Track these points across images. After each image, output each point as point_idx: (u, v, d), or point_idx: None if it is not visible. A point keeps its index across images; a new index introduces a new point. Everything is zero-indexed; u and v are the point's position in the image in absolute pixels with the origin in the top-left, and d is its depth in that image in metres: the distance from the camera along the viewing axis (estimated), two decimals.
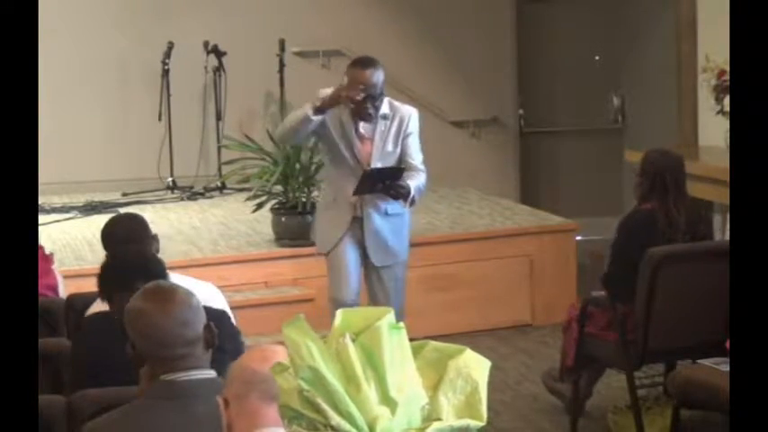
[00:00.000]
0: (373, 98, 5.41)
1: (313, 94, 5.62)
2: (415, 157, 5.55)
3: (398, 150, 5.51)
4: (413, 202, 5.46)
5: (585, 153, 10.56)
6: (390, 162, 5.50)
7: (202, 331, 2.88)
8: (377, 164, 5.47)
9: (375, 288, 5.64)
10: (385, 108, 5.50)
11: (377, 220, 5.53)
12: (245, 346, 3.86)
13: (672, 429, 5.04)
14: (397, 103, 5.62)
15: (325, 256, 5.66)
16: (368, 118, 5.44)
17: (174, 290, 2.94)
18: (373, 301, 5.64)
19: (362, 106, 5.39)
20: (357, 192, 5.43)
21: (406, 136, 5.52)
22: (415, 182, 5.44)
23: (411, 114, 5.57)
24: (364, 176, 5.40)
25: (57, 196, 9.02)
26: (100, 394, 3.36)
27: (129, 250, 3.93)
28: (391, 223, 5.57)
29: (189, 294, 2.94)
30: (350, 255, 5.56)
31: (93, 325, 3.81)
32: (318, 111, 5.41)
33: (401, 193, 5.39)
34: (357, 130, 5.49)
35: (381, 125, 5.49)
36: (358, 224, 5.54)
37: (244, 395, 2.24)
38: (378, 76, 5.41)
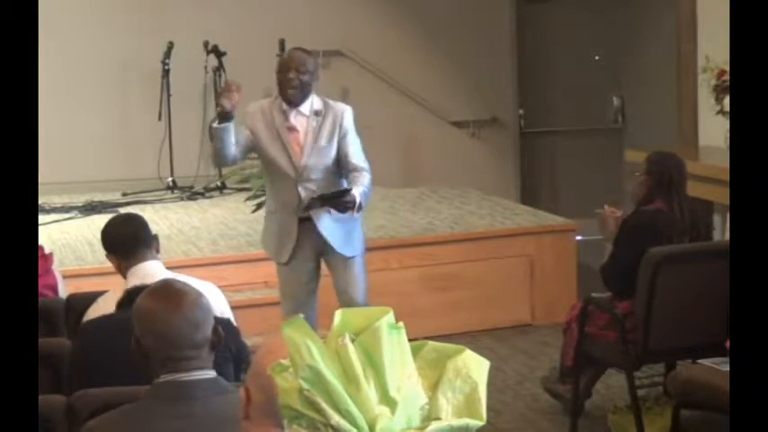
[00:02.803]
0: (300, 75, 5.34)
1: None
2: (356, 155, 5.42)
3: (334, 146, 5.40)
4: (360, 209, 5.32)
5: (585, 153, 10.58)
6: (325, 157, 5.39)
7: (211, 334, 2.88)
8: (310, 159, 5.37)
9: (341, 279, 5.55)
10: (317, 105, 5.44)
11: (327, 221, 5.43)
12: (248, 347, 3.87)
13: (672, 429, 5.04)
14: (330, 102, 5.53)
15: (281, 266, 5.56)
16: (292, 97, 5.36)
17: (185, 290, 2.92)
18: (342, 292, 5.57)
19: (288, 85, 5.34)
20: (304, 210, 5.37)
21: (344, 135, 5.42)
22: (360, 187, 5.31)
23: (344, 111, 5.46)
24: (309, 201, 5.33)
25: (57, 196, 9.02)
26: (100, 394, 3.36)
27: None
28: (342, 221, 5.44)
29: (199, 295, 2.93)
30: (302, 276, 5.52)
31: (92, 329, 3.79)
32: (223, 117, 5.34)
33: (348, 207, 5.27)
34: (287, 120, 5.40)
35: (314, 121, 5.40)
36: (310, 225, 5.45)
37: (266, 412, 2.24)
38: (307, 60, 5.40)
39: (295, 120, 5.42)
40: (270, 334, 2.36)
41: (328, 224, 5.45)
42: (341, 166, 5.45)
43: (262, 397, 2.23)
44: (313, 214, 5.41)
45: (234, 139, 5.37)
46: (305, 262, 5.53)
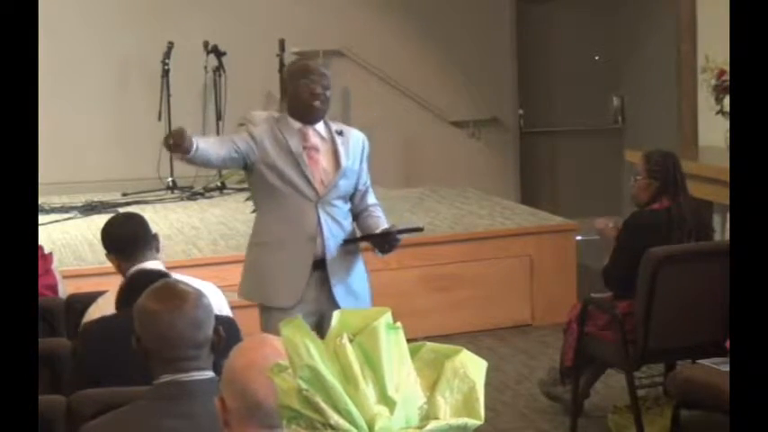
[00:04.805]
0: (325, 89, 4.72)
1: None
2: (371, 191, 4.91)
3: (357, 171, 4.83)
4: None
5: (585, 153, 10.58)
6: (351, 180, 4.81)
7: (212, 334, 2.88)
8: (341, 179, 4.77)
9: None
10: (336, 126, 4.89)
11: (340, 259, 4.78)
12: None
13: (672, 429, 5.04)
14: (344, 125, 4.99)
15: (282, 312, 4.59)
16: (317, 112, 4.74)
17: (186, 291, 2.92)
18: None
19: (315, 98, 4.70)
20: (349, 241, 4.77)
21: (363, 165, 4.86)
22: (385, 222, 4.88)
23: (365, 139, 4.90)
24: (381, 233, 4.76)
25: (57, 196, 9.02)
26: (100, 394, 3.36)
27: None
28: (354, 263, 4.84)
29: (201, 295, 2.93)
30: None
31: (94, 331, 3.79)
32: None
33: (393, 247, 4.79)
34: (305, 140, 4.76)
35: (340, 142, 4.79)
36: (320, 270, 4.74)
37: (244, 416, 2.24)
38: (328, 75, 4.77)
39: (314, 138, 4.78)
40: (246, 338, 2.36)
41: (341, 262, 4.79)
42: (353, 195, 4.87)
43: (238, 402, 2.23)
44: (326, 248, 4.73)
45: (211, 151, 4.63)
46: (308, 314, 4.61)
